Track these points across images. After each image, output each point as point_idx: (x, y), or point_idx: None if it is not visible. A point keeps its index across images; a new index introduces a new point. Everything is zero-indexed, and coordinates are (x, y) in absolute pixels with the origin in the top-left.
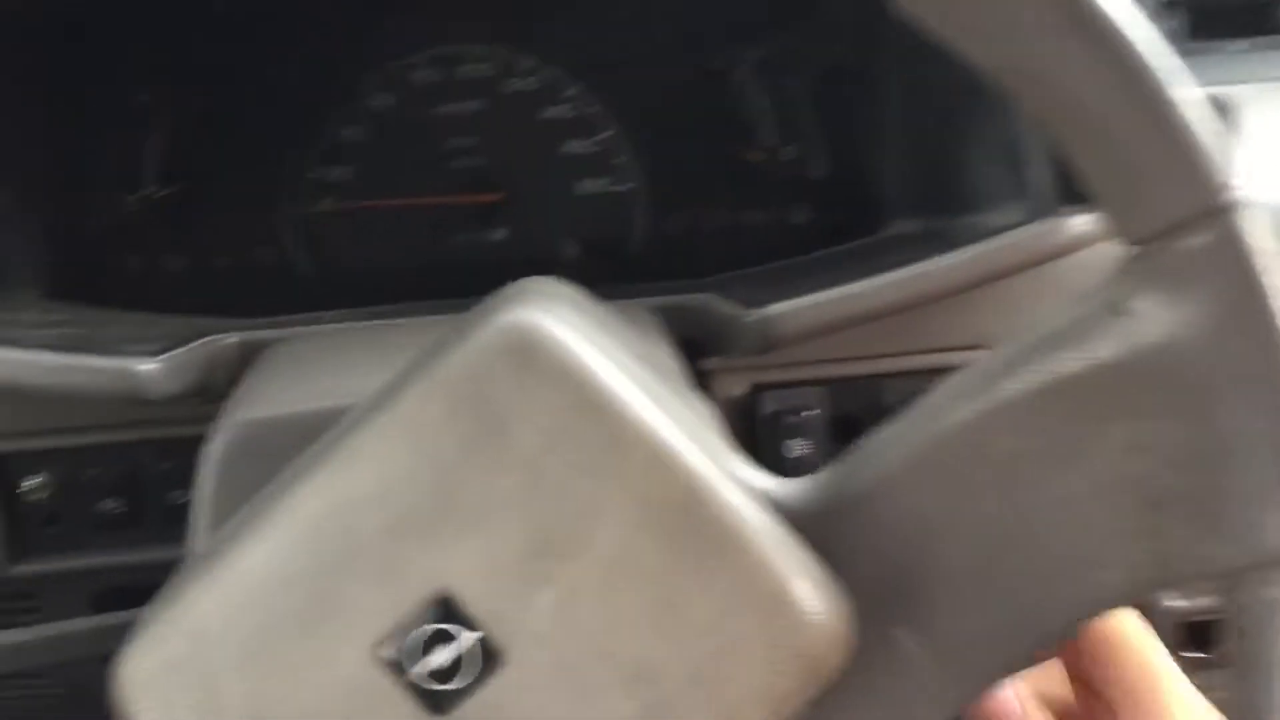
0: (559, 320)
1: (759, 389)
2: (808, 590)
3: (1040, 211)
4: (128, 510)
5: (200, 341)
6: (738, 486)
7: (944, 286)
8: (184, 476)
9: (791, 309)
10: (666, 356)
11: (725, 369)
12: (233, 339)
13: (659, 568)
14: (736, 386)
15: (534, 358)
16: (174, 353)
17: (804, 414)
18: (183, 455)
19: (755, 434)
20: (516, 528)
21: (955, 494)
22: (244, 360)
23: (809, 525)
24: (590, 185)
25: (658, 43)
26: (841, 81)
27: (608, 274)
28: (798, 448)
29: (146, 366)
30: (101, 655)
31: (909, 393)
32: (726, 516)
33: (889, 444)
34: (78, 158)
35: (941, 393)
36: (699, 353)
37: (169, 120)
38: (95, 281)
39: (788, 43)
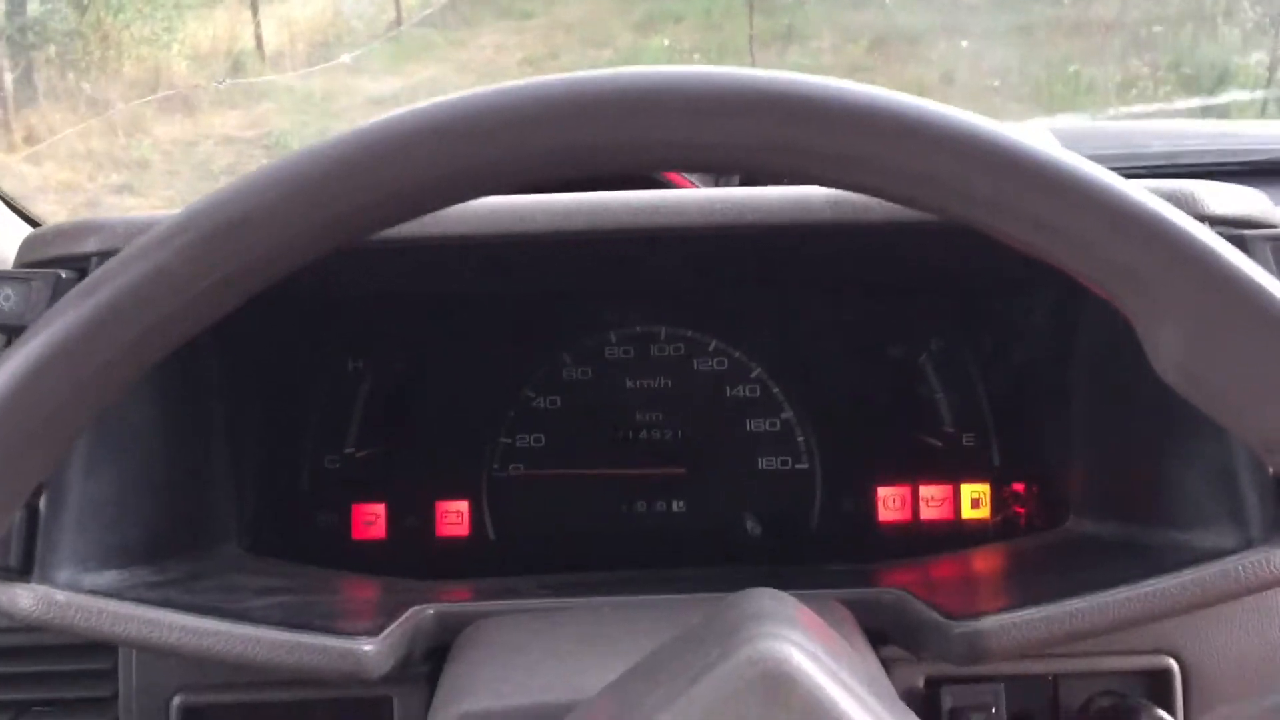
0: (807, 655)
1: (935, 682)
2: None
3: (1255, 539)
4: None
5: (406, 615)
6: None
7: (1158, 610)
8: None
9: (999, 626)
10: (874, 665)
11: (901, 659)
12: (430, 611)
13: None
14: (913, 678)
15: (788, 695)
16: (388, 630)
17: (985, 713)
18: (360, 715)
19: None
20: None
21: None
22: (441, 632)
23: None
24: (769, 463)
25: (841, 330)
26: (1028, 378)
27: (785, 550)
28: None
29: (368, 648)
30: None
31: (1087, 692)
32: None
33: None
34: (286, 420)
35: None
36: (879, 640)
37: (373, 385)
38: (294, 537)
39: (972, 338)
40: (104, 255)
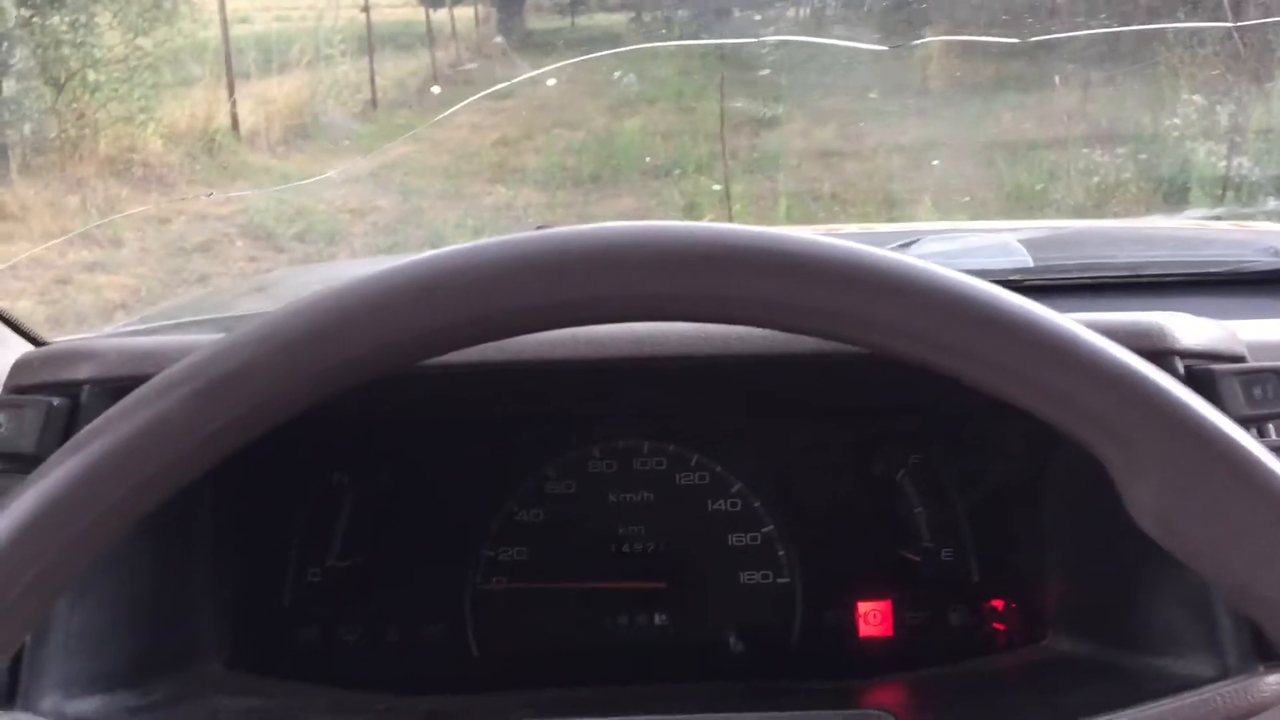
0: None
1: None
2: None
3: (1232, 668)
4: None
5: None
6: None
7: None
8: None
9: None
10: None
11: None
12: None
13: None
14: None
15: None
16: None
17: None
18: None
19: None
20: None
21: None
22: None
23: None
24: (750, 577)
25: (821, 446)
26: (1005, 496)
27: (766, 665)
28: None
29: None
30: None
31: None
32: None
33: None
34: (269, 535)
35: None
36: None
37: (356, 499)
38: (275, 652)
39: (950, 454)
40: (96, 382)
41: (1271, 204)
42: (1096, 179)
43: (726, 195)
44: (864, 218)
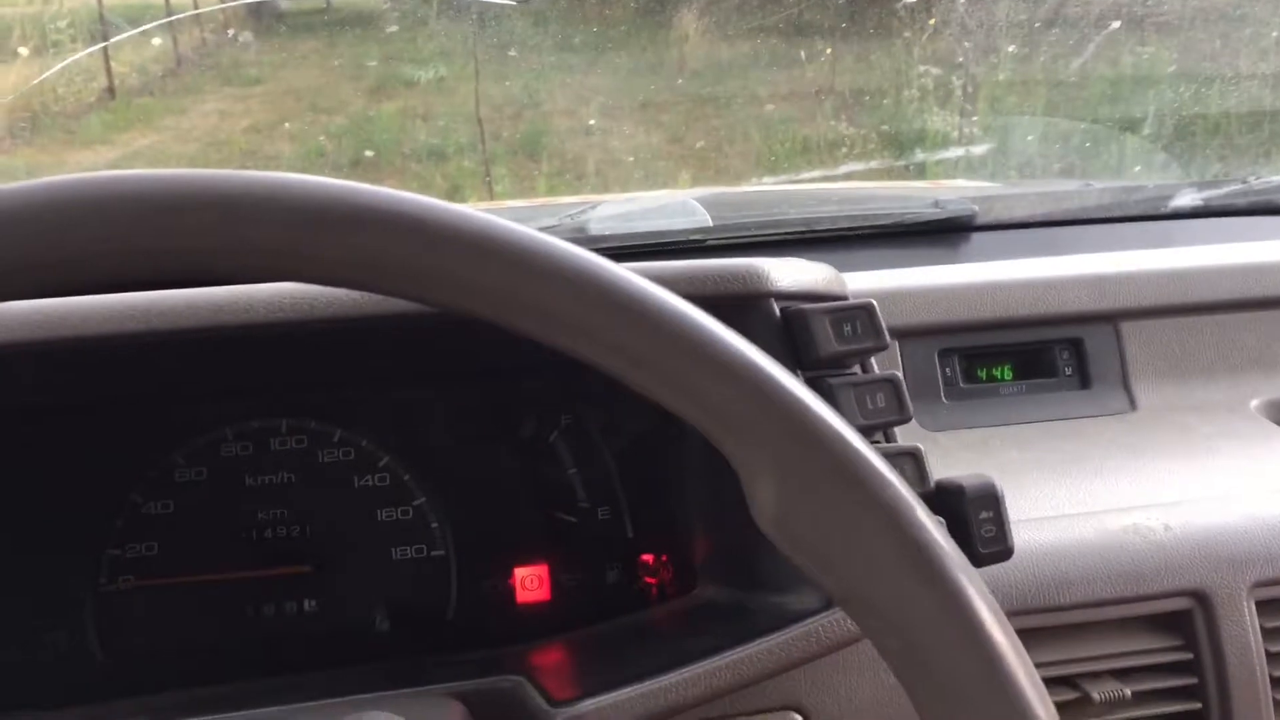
0: None
1: None
2: None
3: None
4: None
5: None
6: None
7: (748, 675)
8: None
9: (597, 709)
10: None
11: None
12: None
13: None
14: None
15: None
16: None
17: None
18: None
19: None
20: None
21: None
22: None
23: None
24: (403, 552)
25: (469, 412)
26: (652, 452)
27: (420, 642)
28: None
29: None
30: None
31: None
32: None
33: None
34: None
35: None
36: None
37: None
38: None
39: (598, 412)
40: None
41: (934, 157)
42: (844, 150)
43: (487, 175)
44: (626, 190)
